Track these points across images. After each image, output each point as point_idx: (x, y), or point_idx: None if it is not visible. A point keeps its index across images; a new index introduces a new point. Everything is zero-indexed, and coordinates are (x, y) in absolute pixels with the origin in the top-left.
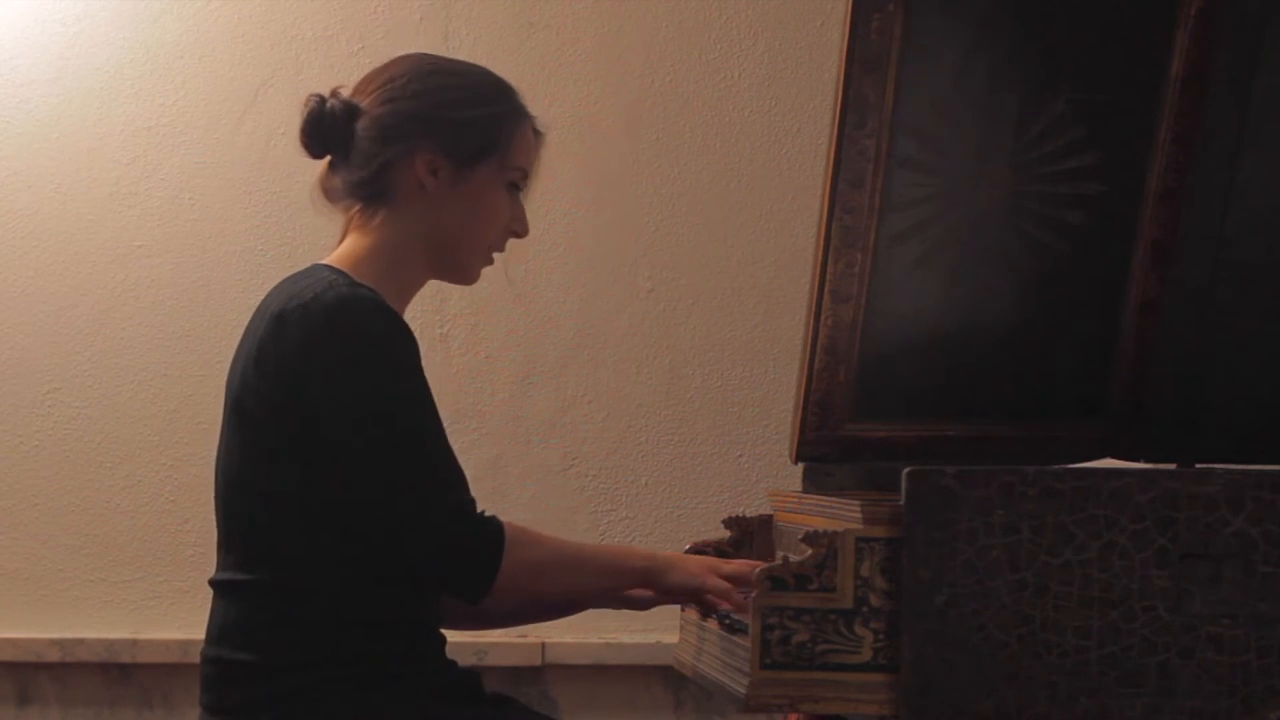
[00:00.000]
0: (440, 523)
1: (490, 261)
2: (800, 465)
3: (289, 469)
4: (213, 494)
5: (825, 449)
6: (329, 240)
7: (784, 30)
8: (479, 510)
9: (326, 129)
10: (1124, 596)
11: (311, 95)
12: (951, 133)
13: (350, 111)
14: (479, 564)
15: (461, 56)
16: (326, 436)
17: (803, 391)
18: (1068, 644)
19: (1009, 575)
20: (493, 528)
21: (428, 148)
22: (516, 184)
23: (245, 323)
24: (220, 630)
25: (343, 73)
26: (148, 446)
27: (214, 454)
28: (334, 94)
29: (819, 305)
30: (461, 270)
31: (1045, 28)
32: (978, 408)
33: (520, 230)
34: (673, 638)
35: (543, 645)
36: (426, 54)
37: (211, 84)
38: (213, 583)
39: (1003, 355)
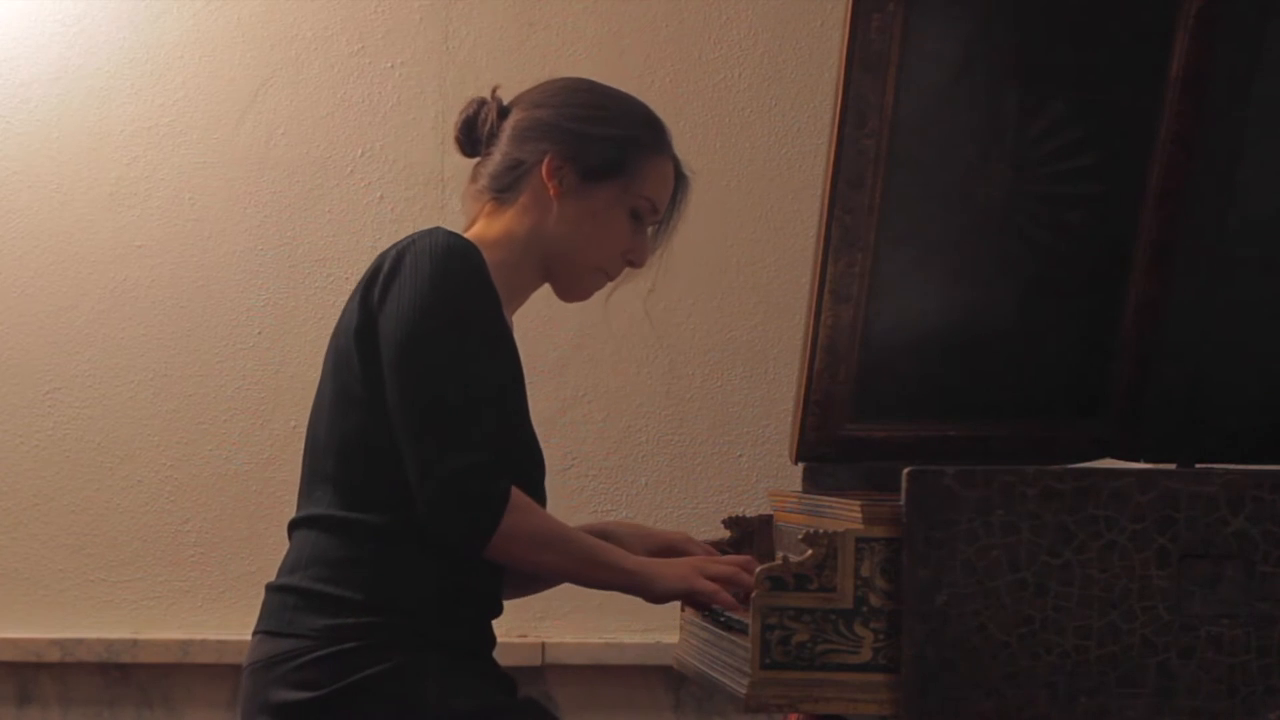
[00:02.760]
0: (449, 475)
1: (601, 284)
2: (800, 465)
3: (367, 406)
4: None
5: (825, 449)
6: (329, 240)
7: (784, 30)
8: (494, 474)
9: (479, 126)
10: (1124, 596)
11: (474, 99)
12: (951, 133)
13: (503, 112)
14: (478, 519)
15: (461, 56)
16: (386, 368)
17: (803, 391)
18: (1068, 644)
19: (1009, 575)
20: (499, 489)
21: (557, 154)
22: (640, 213)
23: (245, 323)
24: (296, 562)
25: (343, 73)
26: (148, 446)
27: (214, 453)
28: (494, 95)
29: (819, 305)
30: (569, 281)
31: (1045, 28)
32: (978, 408)
33: (636, 261)
34: (673, 638)
35: (543, 645)
36: (589, 79)
37: (211, 84)
38: (291, 522)
39: (1002, 355)
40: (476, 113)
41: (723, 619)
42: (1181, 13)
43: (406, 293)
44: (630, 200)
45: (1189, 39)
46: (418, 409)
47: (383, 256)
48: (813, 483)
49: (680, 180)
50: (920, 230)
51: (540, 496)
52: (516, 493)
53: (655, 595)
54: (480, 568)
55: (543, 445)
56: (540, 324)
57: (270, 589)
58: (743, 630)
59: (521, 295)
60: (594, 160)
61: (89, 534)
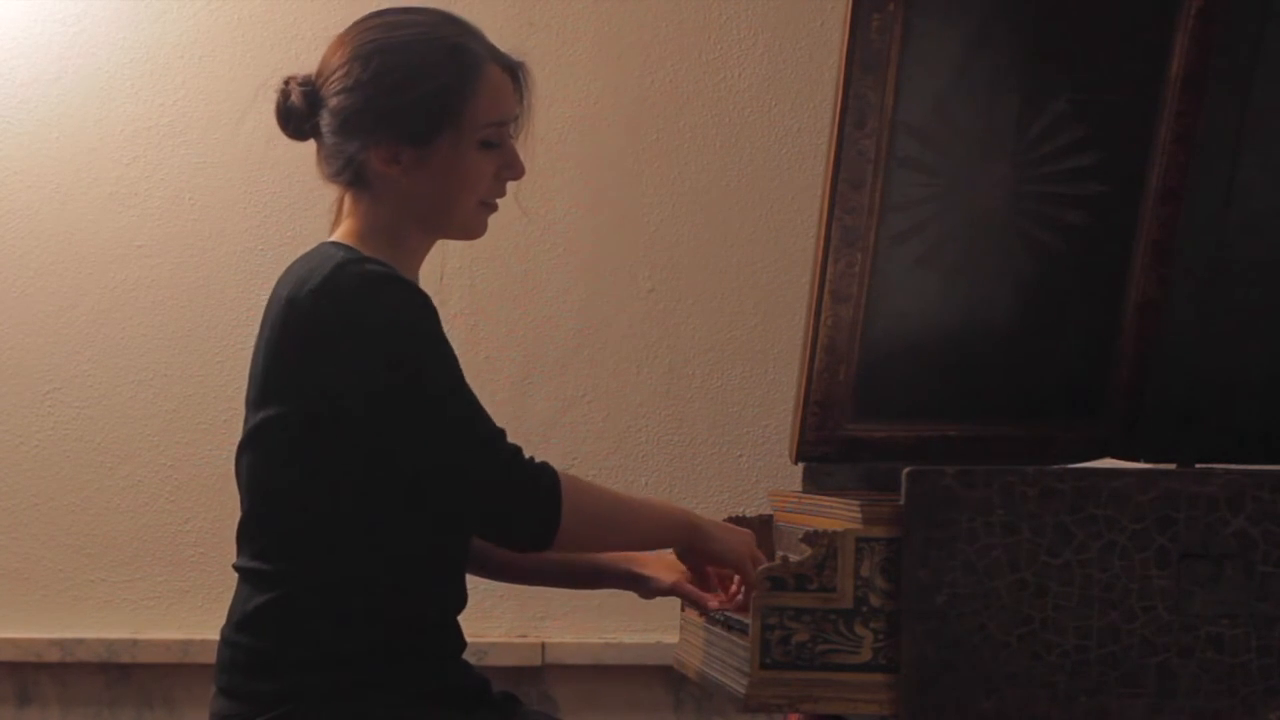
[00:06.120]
0: (498, 475)
1: (493, 209)
2: (800, 465)
3: (313, 458)
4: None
5: (825, 449)
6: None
7: (784, 30)
8: (529, 456)
9: (295, 120)
10: (1124, 596)
11: (280, 84)
12: (951, 133)
13: (311, 103)
14: (542, 512)
15: None
16: (358, 417)
17: (803, 391)
18: (1068, 644)
19: (1009, 575)
20: (549, 474)
21: (382, 139)
22: (490, 140)
23: (245, 323)
24: (241, 616)
25: None
26: (148, 446)
27: (214, 453)
28: (294, 82)
29: (819, 305)
30: (460, 230)
31: (1045, 28)
32: (978, 408)
33: (513, 175)
34: (673, 638)
35: (543, 645)
36: (373, 23)
37: (211, 84)
38: (235, 568)
39: (1002, 355)
40: (285, 103)
41: (721, 619)
42: (1181, 13)
43: (361, 348)
44: (474, 135)
45: (1189, 39)
46: (445, 439)
47: (295, 305)
48: (813, 483)
49: (515, 71)
50: (920, 230)
51: None
52: (562, 472)
53: (708, 550)
54: (424, 595)
55: (543, 445)
56: (540, 324)
57: (221, 641)
58: (743, 630)
59: (420, 259)
60: (418, 126)
61: (89, 534)
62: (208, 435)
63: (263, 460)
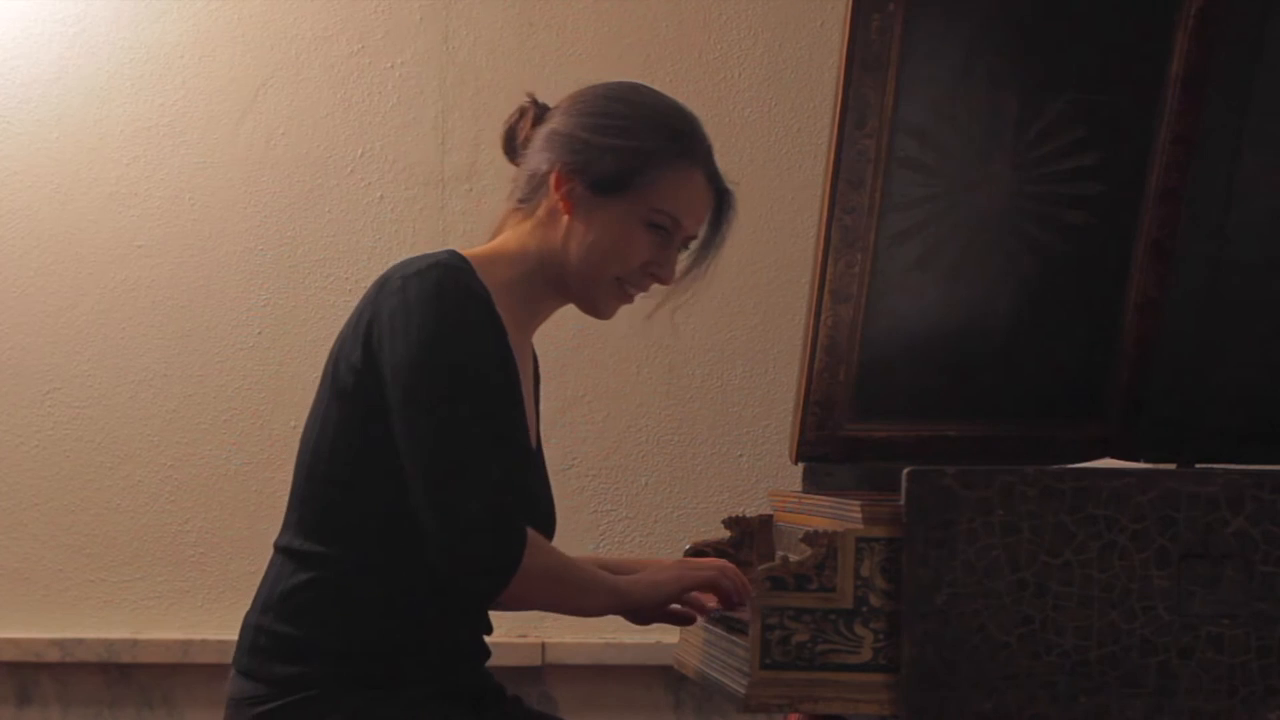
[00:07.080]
0: (468, 524)
1: (626, 299)
2: (800, 465)
3: (361, 438)
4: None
5: (825, 449)
6: (328, 241)
7: (784, 30)
8: (514, 515)
9: (516, 131)
10: (1124, 596)
11: (519, 104)
12: (951, 133)
13: (538, 119)
14: (499, 561)
15: (461, 56)
16: (391, 409)
17: (803, 391)
18: (1068, 644)
19: (1009, 575)
20: (519, 529)
21: (568, 165)
22: (660, 226)
23: (245, 323)
24: (268, 598)
25: (342, 73)
26: (148, 446)
27: (214, 453)
28: (533, 102)
29: (819, 305)
30: (587, 299)
31: (1045, 28)
32: (978, 408)
33: (660, 276)
34: (673, 638)
35: (543, 645)
36: (626, 84)
37: (211, 84)
38: (276, 545)
39: (1003, 355)
40: (516, 120)
41: (721, 619)
42: (1181, 13)
43: (412, 338)
44: (644, 214)
45: (1189, 39)
46: (433, 452)
47: (386, 285)
48: (813, 483)
49: (720, 195)
50: (920, 230)
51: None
52: (530, 530)
53: (647, 611)
54: (454, 590)
55: (543, 445)
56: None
57: (245, 623)
58: (743, 630)
59: (540, 314)
60: (601, 172)
61: (89, 534)
62: (208, 435)
63: (319, 437)
